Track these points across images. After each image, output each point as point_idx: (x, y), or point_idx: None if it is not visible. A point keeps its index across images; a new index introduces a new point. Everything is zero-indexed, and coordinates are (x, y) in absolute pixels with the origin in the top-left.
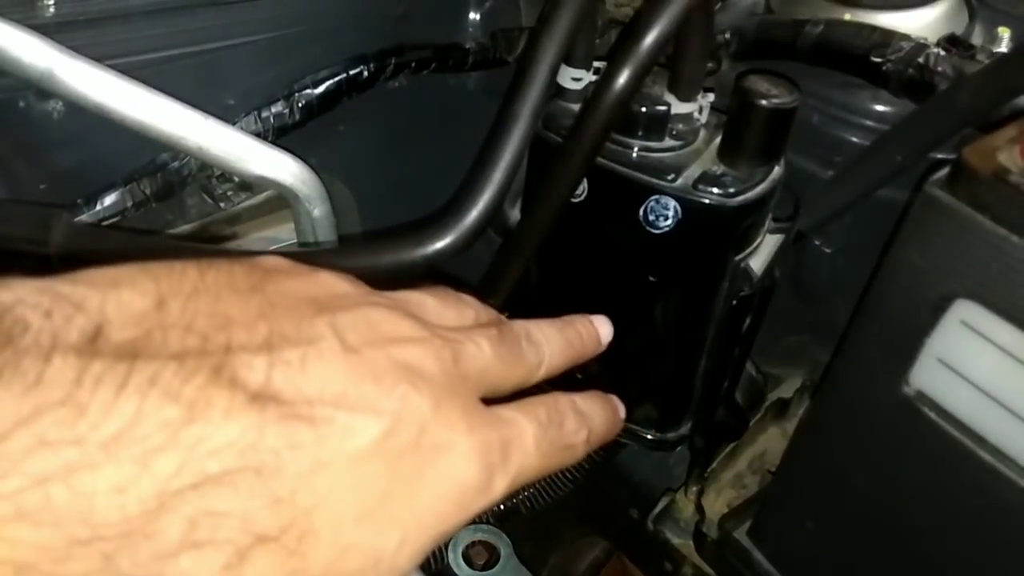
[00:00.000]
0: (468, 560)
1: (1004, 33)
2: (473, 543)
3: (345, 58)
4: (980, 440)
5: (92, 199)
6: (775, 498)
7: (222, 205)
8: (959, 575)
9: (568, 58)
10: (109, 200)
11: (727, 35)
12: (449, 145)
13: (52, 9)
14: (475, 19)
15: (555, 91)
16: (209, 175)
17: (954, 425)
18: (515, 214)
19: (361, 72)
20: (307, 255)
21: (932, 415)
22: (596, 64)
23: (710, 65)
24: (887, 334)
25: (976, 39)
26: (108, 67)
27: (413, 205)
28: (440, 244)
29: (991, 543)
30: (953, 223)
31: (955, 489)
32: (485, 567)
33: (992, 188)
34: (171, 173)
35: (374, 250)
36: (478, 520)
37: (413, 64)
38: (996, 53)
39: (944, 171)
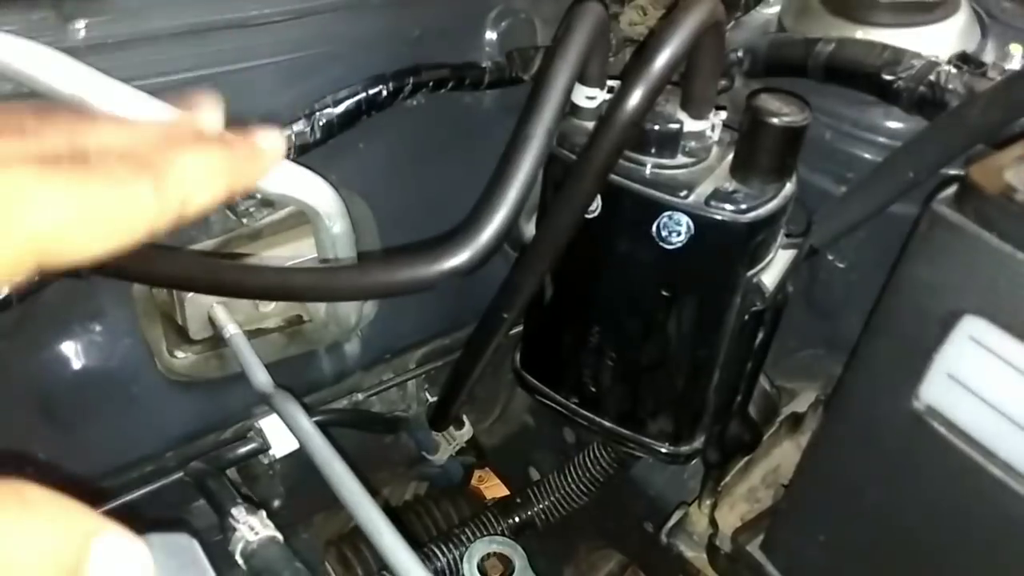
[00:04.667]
0: (483, 573)
1: (1016, 51)
2: (488, 555)
3: (364, 78)
4: (989, 455)
5: None
6: (787, 512)
7: (244, 221)
8: None
9: (582, 77)
10: None
11: (740, 53)
12: (466, 162)
13: (83, 32)
14: (491, 39)
15: (569, 109)
16: None
17: (963, 440)
18: (530, 229)
19: (380, 91)
20: (327, 271)
21: (942, 430)
22: (610, 83)
23: (723, 83)
24: (897, 349)
25: (988, 57)
26: (136, 88)
27: (431, 221)
28: (456, 261)
29: (1001, 557)
30: (960, 240)
31: (965, 503)
32: None
33: (998, 206)
34: None
35: (392, 267)
36: (493, 532)
37: (431, 83)
38: (1008, 71)
39: (951, 189)
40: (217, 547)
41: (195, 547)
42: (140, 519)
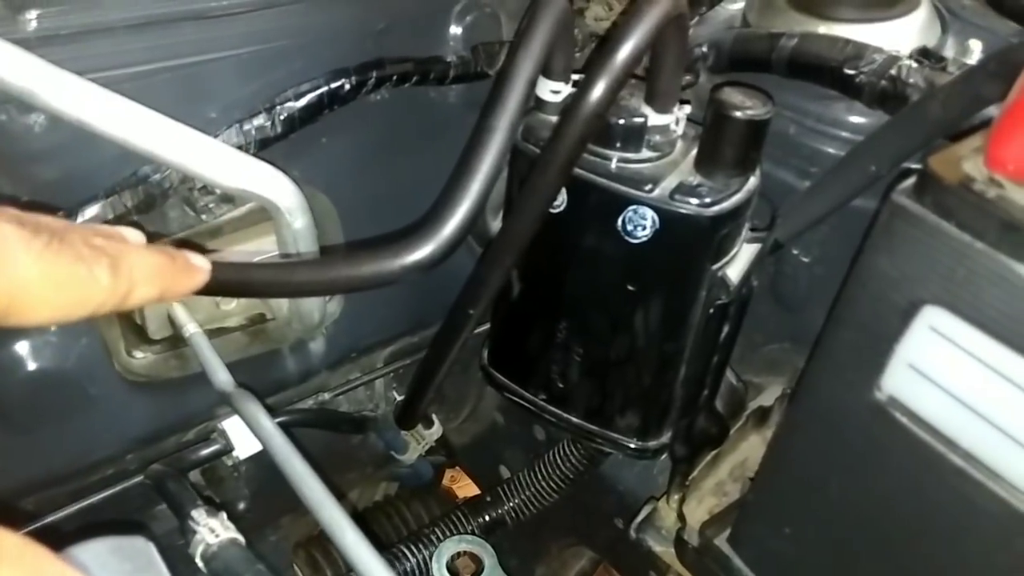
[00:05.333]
0: (455, 572)
1: (975, 46)
2: (458, 554)
3: (327, 71)
4: (951, 444)
5: (73, 211)
6: (753, 504)
7: (204, 217)
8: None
9: (547, 71)
10: (90, 212)
11: (704, 49)
12: (431, 157)
13: (34, 23)
14: (456, 33)
15: (535, 103)
16: (191, 187)
17: (925, 429)
18: (497, 225)
19: (343, 85)
20: (286, 266)
21: (904, 420)
22: (575, 77)
23: (688, 78)
24: (858, 340)
25: (948, 51)
26: (90, 81)
27: (395, 217)
28: (418, 256)
29: (963, 545)
30: (920, 230)
31: (928, 493)
32: None
33: (957, 196)
34: (152, 185)
35: (353, 262)
36: (463, 531)
37: (394, 77)
38: (967, 65)
39: (911, 180)
40: (180, 551)
41: (151, 550)
42: (99, 523)
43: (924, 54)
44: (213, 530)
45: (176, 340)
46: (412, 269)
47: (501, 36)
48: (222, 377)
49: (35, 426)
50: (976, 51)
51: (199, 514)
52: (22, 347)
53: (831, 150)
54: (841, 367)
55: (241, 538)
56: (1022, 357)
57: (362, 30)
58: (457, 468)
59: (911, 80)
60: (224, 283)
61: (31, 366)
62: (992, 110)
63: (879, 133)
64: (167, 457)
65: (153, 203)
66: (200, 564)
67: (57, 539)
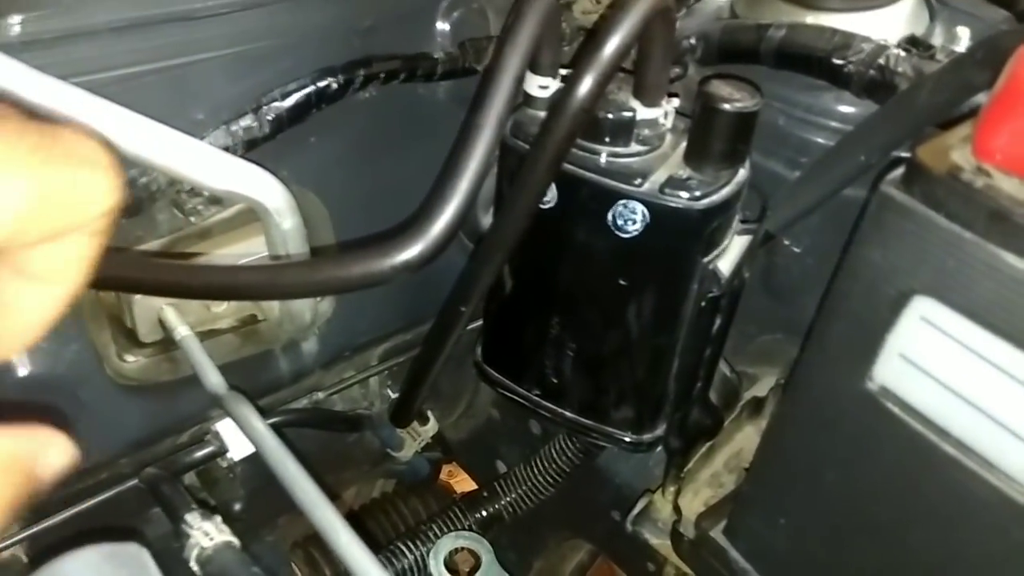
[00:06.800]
0: (455, 567)
1: (963, 33)
2: (456, 550)
3: (314, 70)
4: (943, 433)
5: None
6: (748, 496)
7: (192, 220)
8: (928, 566)
9: (534, 66)
10: None
11: (693, 41)
12: (422, 154)
13: (17, 28)
14: (444, 29)
15: (523, 99)
16: (179, 189)
17: (917, 419)
18: (488, 221)
19: (330, 84)
20: (274, 268)
21: (896, 410)
22: (563, 71)
23: (676, 71)
24: (850, 331)
25: (936, 39)
26: (75, 85)
27: (387, 215)
28: (407, 255)
29: (957, 534)
30: (909, 221)
31: (920, 482)
32: (470, 574)
33: (946, 186)
34: (139, 188)
35: (342, 263)
36: (460, 527)
37: (382, 75)
38: (955, 53)
39: (899, 170)
40: (175, 555)
41: (144, 556)
42: (92, 529)
43: (912, 42)
44: (207, 533)
45: (167, 343)
46: (401, 269)
47: (489, 32)
48: (214, 379)
49: None
50: (964, 39)
51: (193, 517)
52: None
53: (820, 140)
54: (833, 358)
55: (236, 541)
56: (1012, 346)
57: (349, 28)
58: (454, 463)
59: (899, 69)
60: (212, 286)
61: (21, 372)
62: (980, 98)
63: (868, 122)
64: (161, 460)
65: (140, 206)
66: (195, 568)
67: (50, 546)
